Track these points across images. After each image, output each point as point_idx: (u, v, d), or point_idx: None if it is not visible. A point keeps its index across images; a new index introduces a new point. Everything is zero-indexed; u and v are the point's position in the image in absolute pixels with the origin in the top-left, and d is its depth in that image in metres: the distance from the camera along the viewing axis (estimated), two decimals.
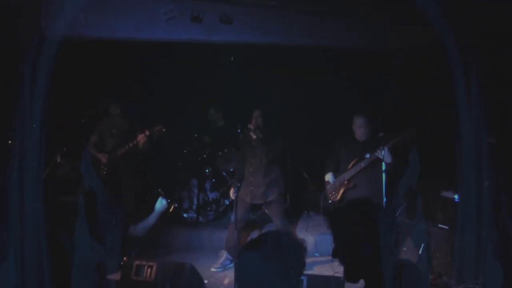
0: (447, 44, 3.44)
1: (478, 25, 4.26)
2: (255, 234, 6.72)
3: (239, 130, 7.29)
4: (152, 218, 4.26)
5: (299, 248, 2.14)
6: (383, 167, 5.48)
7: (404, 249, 5.74)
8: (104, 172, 6.22)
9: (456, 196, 5.24)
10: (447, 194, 5.31)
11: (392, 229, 2.29)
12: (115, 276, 4.49)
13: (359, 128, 5.76)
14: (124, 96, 6.73)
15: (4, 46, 3.88)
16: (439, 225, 5.46)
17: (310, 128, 7.91)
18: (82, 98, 6.97)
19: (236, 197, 5.83)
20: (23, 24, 4.59)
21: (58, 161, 6.15)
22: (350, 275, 2.41)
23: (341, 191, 5.83)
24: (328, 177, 6.00)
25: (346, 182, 5.79)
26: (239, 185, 5.90)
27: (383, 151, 5.41)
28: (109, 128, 6.49)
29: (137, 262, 4.49)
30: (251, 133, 5.95)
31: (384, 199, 5.37)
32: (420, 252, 5.32)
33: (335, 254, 2.47)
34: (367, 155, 5.65)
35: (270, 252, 2.04)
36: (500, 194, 4.38)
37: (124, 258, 4.52)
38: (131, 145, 6.01)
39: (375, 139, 5.66)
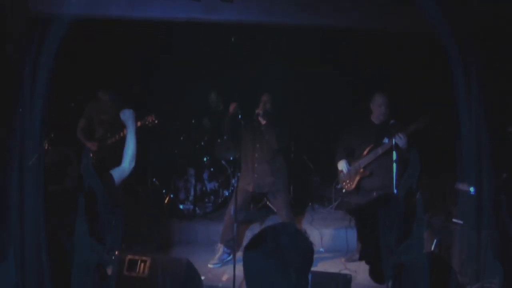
0: (447, 44, 3.61)
1: (478, 25, 4.46)
2: (255, 227, 6.66)
3: (239, 116, 7.21)
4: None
5: (307, 243, 2.14)
6: (394, 157, 5.36)
7: None
8: (93, 162, 6.15)
9: (471, 189, 5.16)
10: (462, 186, 5.24)
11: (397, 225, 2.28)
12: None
13: (379, 107, 5.69)
14: (116, 82, 6.62)
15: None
16: (454, 220, 5.39)
17: (315, 115, 7.84)
18: (71, 82, 6.90)
19: (236, 187, 5.76)
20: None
21: (46, 147, 6.08)
22: (377, 276, 2.35)
23: (356, 179, 5.75)
24: (342, 165, 5.89)
25: (361, 170, 5.69)
26: (238, 174, 5.80)
27: (401, 137, 5.30)
28: (98, 114, 6.43)
29: (129, 256, 4.45)
30: (259, 118, 5.85)
31: (395, 191, 5.27)
32: (432, 248, 5.28)
33: (363, 255, 2.42)
34: (386, 140, 5.53)
35: (276, 247, 2.05)
36: (500, 194, 4.58)
37: (116, 252, 4.44)
38: (121, 134, 5.90)
39: (388, 126, 5.55)
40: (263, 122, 5.99)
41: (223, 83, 8.00)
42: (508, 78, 4.81)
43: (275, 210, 6.32)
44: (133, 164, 3.89)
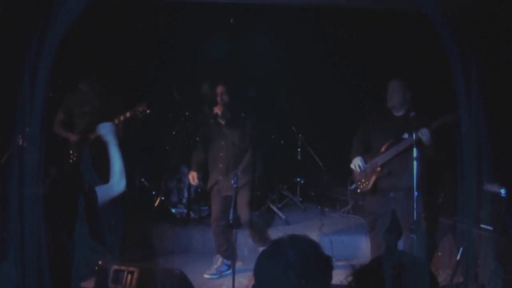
0: (447, 44, 3.98)
1: (478, 25, 4.81)
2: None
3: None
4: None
5: (323, 257, 2.27)
6: (415, 154, 5.35)
7: (439, 254, 5.70)
8: (74, 159, 6.11)
9: (502, 191, 5.17)
10: (491, 187, 5.23)
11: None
12: (88, 284, 4.45)
13: (392, 94, 5.64)
14: (102, 70, 6.63)
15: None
16: (482, 226, 5.38)
17: (326, 107, 7.86)
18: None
19: (236, 188, 5.77)
20: None
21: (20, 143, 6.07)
22: None
23: (373, 179, 5.73)
24: (357, 162, 5.85)
25: (379, 169, 5.67)
26: (238, 174, 5.80)
27: (425, 132, 5.29)
28: (80, 105, 6.42)
29: (115, 266, 4.47)
30: (219, 120, 6.09)
31: (416, 193, 5.26)
32: (458, 258, 5.28)
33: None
34: (406, 135, 5.50)
35: (288, 261, 2.18)
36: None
37: (99, 262, 4.47)
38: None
39: (409, 119, 5.53)
40: (222, 122, 6.10)
41: (218, 71, 7.99)
42: (508, 77, 5.15)
43: (237, 208, 6.22)
44: (123, 183, 4.01)
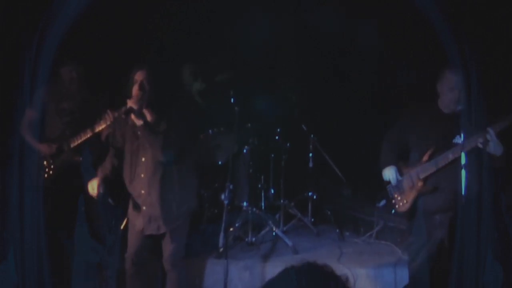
0: (447, 44, 4.62)
1: (479, 25, 5.36)
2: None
3: (232, 100, 7.15)
4: None
5: None
6: (463, 160, 5.23)
7: None
8: (50, 173, 5.91)
9: None
10: None
11: None
12: None
13: (451, 92, 5.47)
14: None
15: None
16: None
17: (347, 98, 7.80)
18: None
19: (226, 206, 5.65)
20: None
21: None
22: None
23: (412, 196, 5.56)
24: (388, 173, 5.70)
25: (420, 184, 5.50)
26: (231, 186, 5.66)
27: (488, 136, 5.16)
28: (56, 102, 6.36)
29: None
30: (133, 117, 5.40)
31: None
32: None
33: None
34: (459, 140, 5.35)
35: None
36: (500, 194, 5.62)
37: None
38: (95, 130, 5.60)
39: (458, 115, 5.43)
40: (140, 122, 5.40)
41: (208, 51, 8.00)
42: (508, 77, 5.70)
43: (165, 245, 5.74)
44: None
